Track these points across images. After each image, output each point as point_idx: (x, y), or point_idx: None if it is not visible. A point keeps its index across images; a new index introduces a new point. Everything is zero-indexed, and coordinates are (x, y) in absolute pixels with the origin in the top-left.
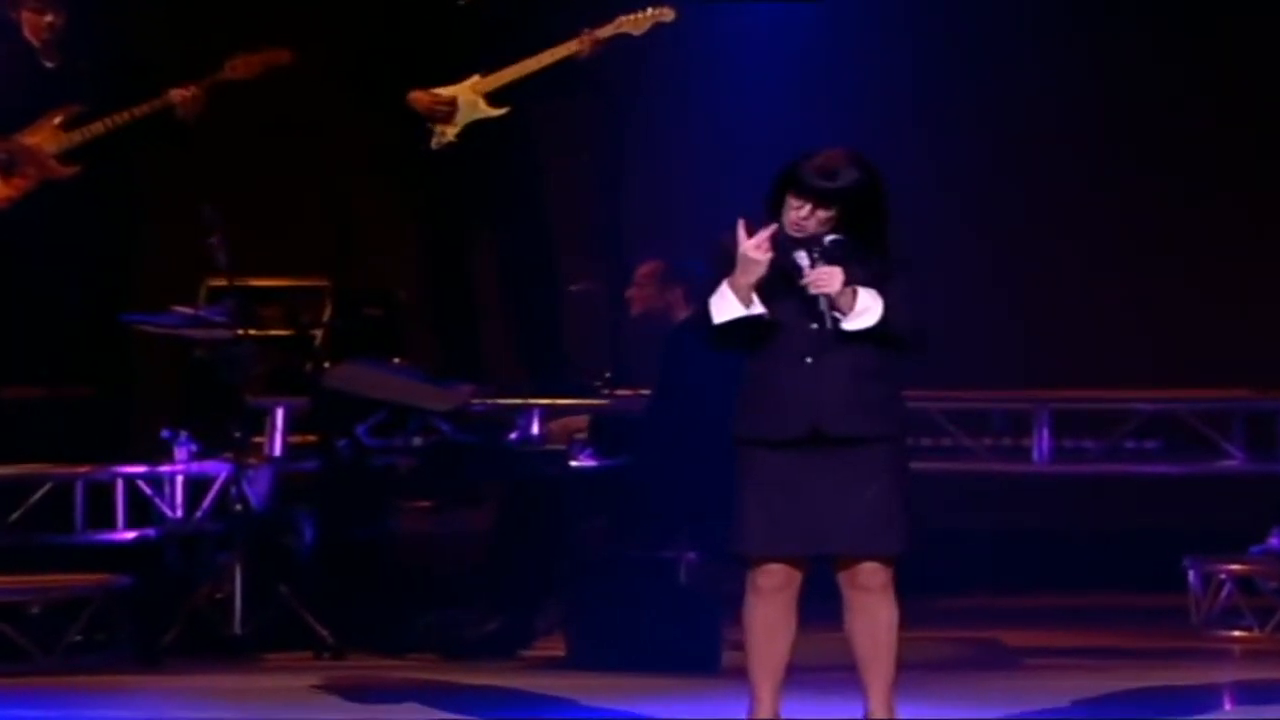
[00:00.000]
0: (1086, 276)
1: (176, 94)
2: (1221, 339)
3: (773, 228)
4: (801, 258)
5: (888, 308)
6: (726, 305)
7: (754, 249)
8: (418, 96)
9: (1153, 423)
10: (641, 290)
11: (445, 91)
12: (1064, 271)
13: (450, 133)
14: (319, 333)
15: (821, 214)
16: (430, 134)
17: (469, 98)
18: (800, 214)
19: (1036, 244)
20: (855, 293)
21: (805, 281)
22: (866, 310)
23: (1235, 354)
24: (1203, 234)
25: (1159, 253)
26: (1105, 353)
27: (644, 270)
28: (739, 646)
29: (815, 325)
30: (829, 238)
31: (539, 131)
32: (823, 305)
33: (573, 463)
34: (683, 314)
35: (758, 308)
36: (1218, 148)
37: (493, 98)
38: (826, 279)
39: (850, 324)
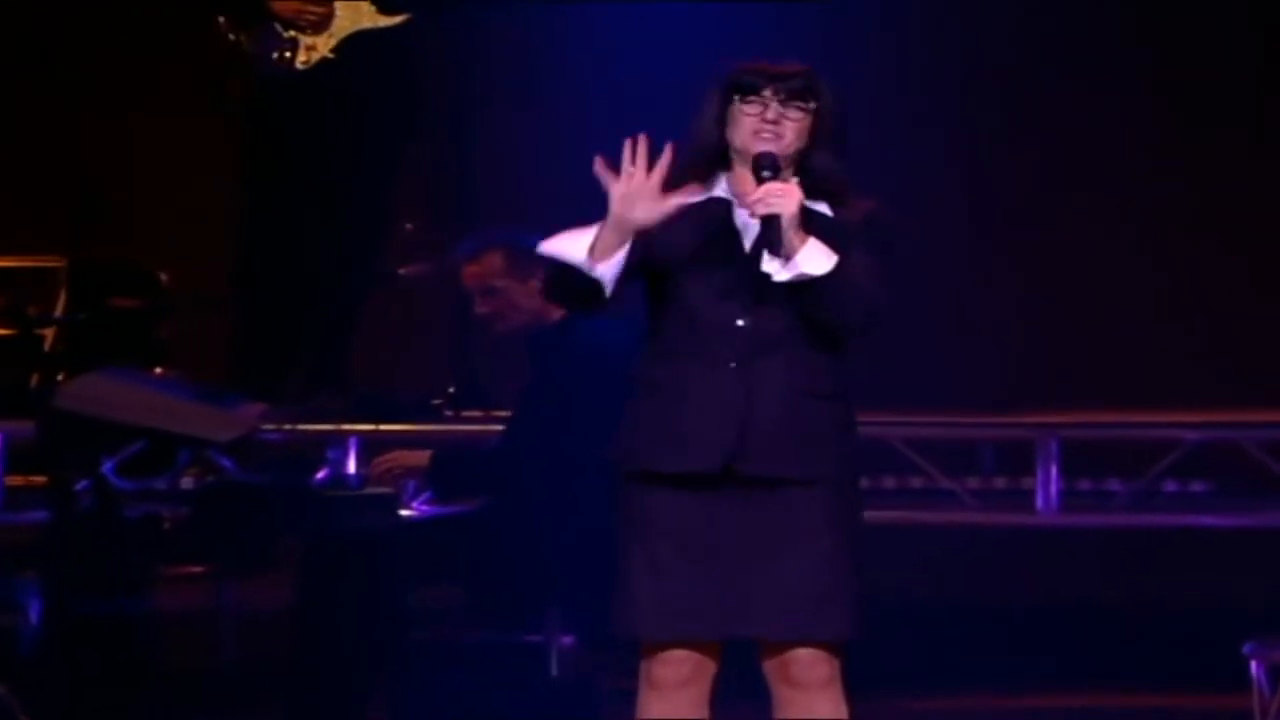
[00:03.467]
0: (1107, 261)
1: None
2: None
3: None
4: (746, 215)
5: (843, 263)
6: (566, 243)
7: (641, 179)
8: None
9: (1201, 457)
10: (499, 297)
11: None
12: (1077, 255)
13: (322, 46)
14: (49, 332)
15: (793, 114)
16: (293, 47)
17: (352, 2)
18: (762, 116)
19: (1041, 218)
20: (809, 238)
21: (752, 200)
22: (815, 258)
23: None
24: (1263, 208)
25: (1205, 231)
26: (1134, 363)
27: (479, 268)
28: None
29: (743, 321)
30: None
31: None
32: (770, 233)
33: (404, 511)
34: (545, 315)
35: (604, 270)
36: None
37: (383, 3)
38: (780, 195)
39: (790, 269)
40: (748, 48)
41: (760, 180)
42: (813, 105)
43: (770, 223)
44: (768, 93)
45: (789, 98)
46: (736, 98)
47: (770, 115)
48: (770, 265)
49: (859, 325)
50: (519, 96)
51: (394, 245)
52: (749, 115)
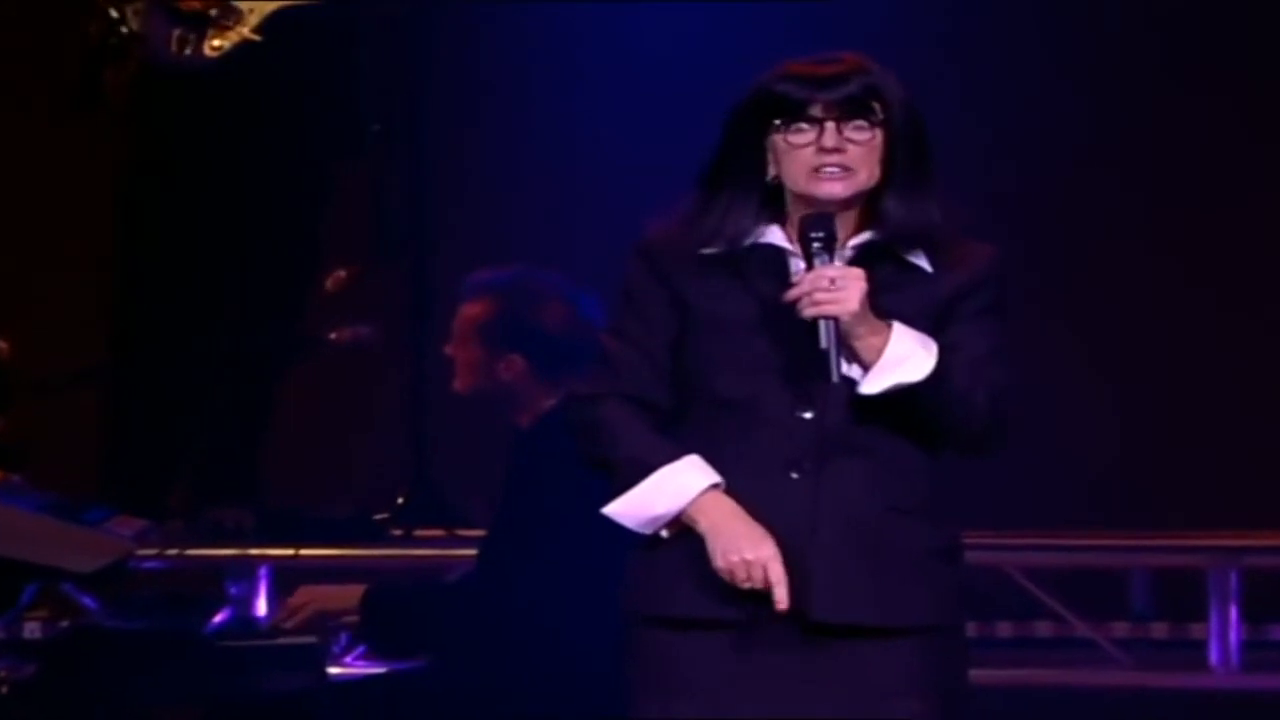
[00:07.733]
0: None
1: None
2: None
3: None
4: (794, 260)
5: (950, 357)
6: (635, 505)
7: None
8: None
9: None
10: (462, 349)
11: None
12: (1257, 325)
13: (239, 31)
14: None
15: (858, 134)
16: (198, 33)
17: None
18: (819, 145)
19: (1196, 282)
20: (889, 329)
21: (795, 294)
22: (907, 359)
23: None
24: None
25: None
26: None
27: (465, 315)
28: None
29: (809, 413)
30: (857, 240)
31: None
32: (825, 339)
33: (334, 669)
34: (529, 400)
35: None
36: None
37: None
38: (834, 290)
39: (874, 382)
40: (764, 51)
41: (808, 256)
42: (881, 117)
43: (825, 326)
44: (818, 109)
45: (847, 112)
46: (777, 122)
47: (829, 141)
48: (851, 371)
49: (980, 434)
50: (487, 102)
51: (322, 299)
52: (799, 147)
